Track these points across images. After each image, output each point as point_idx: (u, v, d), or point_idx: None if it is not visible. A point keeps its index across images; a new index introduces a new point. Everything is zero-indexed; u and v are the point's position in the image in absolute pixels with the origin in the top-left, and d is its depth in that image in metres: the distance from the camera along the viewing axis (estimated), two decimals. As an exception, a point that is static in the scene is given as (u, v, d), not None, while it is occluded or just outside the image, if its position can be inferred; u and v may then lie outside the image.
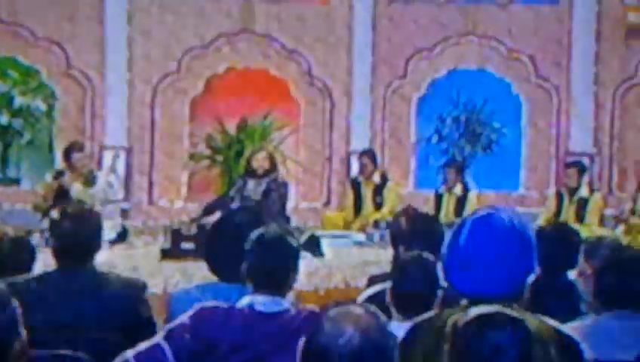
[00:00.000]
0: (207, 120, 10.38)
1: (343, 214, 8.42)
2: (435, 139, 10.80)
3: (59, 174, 7.56)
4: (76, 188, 7.35)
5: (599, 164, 9.85)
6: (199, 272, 5.46)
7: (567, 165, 7.91)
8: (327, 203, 10.15)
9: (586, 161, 9.81)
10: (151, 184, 10.38)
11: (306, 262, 5.85)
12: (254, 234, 2.52)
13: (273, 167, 7.56)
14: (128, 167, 10.20)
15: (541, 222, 7.70)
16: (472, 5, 10.09)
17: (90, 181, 7.48)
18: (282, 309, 2.40)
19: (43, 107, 10.74)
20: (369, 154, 8.60)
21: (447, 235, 2.09)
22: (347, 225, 8.02)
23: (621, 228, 7.24)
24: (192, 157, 10.46)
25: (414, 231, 3.50)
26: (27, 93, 10.89)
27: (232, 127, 10.23)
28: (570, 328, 2.61)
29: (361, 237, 7.37)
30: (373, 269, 5.81)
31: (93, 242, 2.85)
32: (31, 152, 11.01)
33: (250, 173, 7.49)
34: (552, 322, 2.04)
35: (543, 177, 10.10)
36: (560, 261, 3.51)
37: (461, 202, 8.04)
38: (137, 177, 10.32)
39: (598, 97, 9.93)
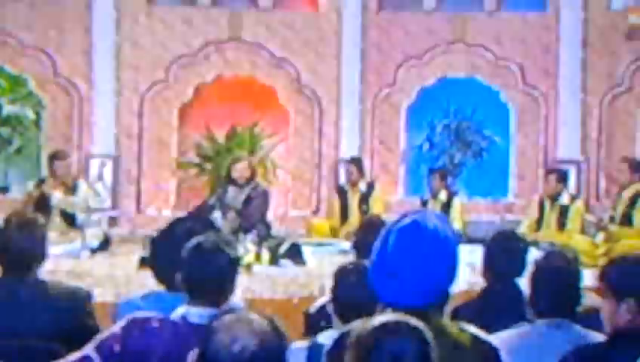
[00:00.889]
0: (195, 128, 10.37)
1: (330, 222, 8.40)
2: (425, 146, 10.82)
3: (41, 182, 7.55)
4: (57, 197, 7.34)
5: (587, 172, 9.84)
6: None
7: (547, 172, 7.90)
8: (317, 211, 10.13)
9: (573, 168, 9.83)
10: (139, 192, 10.36)
11: (283, 270, 5.87)
12: (190, 244, 2.47)
13: (253, 175, 7.55)
14: (116, 175, 10.18)
15: (523, 229, 7.70)
16: (460, 13, 10.09)
17: (72, 189, 7.46)
18: None
19: (31, 115, 10.74)
20: (355, 161, 8.59)
21: (376, 244, 2.05)
22: (334, 233, 7.99)
23: (601, 235, 7.23)
24: (180, 165, 10.44)
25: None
26: (16, 102, 10.89)
27: (221, 135, 10.21)
28: (505, 336, 2.60)
29: (347, 245, 7.34)
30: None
31: (35, 252, 2.81)
32: (19, 160, 11.00)
33: (231, 181, 7.48)
34: (473, 329, 2.02)
35: (532, 184, 10.08)
36: (507, 269, 3.49)
37: (446, 208, 8.02)
38: (125, 185, 10.30)
39: (585, 105, 9.92)
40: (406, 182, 10.37)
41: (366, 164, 10.06)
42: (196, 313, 2.33)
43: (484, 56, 10.08)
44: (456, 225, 7.97)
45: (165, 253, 2.85)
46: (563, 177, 7.70)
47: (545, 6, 10.03)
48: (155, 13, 10.20)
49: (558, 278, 2.73)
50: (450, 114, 10.73)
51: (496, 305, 3.16)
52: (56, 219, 7.45)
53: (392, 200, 9.82)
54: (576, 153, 9.97)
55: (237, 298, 2.71)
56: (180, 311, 2.36)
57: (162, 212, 10.25)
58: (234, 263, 2.49)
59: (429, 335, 1.67)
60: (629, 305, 2.12)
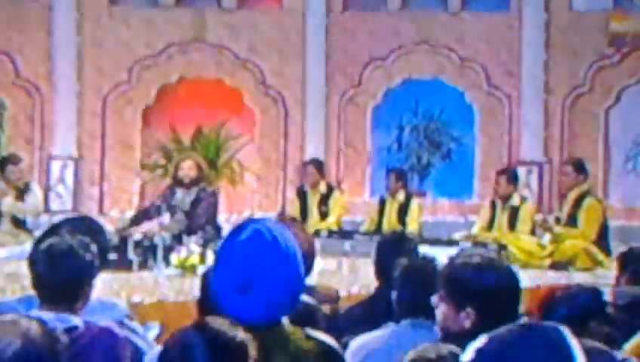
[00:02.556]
0: (160, 130, 10.29)
1: (290, 223, 8.35)
2: (394, 147, 10.83)
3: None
4: (7, 202, 7.26)
5: (549, 173, 9.88)
6: (117, 282, 5.40)
7: (498, 173, 7.95)
8: (282, 212, 10.07)
9: (535, 169, 9.89)
10: (102, 194, 10.26)
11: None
12: (42, 246, 2.38)
13: (201, 176, 7.46)
14: (77, 177, 10.08)
15: (476, 230, 7.74)
16: (424, 13, 10.09)
17: (23, 193, 7.39)
18: (69, 326, 2.23)
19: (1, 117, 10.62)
20: (314, 163, 8.58)
21: (218, 257, 2.02)
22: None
23: (547, 236, 7.27)
24: (144, 166, 10.35)
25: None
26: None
27: (186, 136, 10.14)
28: (369, 337, 2.61)
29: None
30: (313, 279, 5.76)
31: None
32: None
33: (179, 182, 7.39)
34: (318, 335, 2.02)
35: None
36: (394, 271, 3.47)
37: (403, 209, 8.03)
38: (87, 187, 10.20)
39: (548, 105, 9.97)
40: (372, 183, 10.35)
41: (332, 165, 10.07)
42: (47, 318, 2.20)
43: (448, 56, 10.09)
44: (413, 226, 7.98)
45: None
46: (514, 178, 7.75)
47: (508, 6, 10.07)
48: (117, 14, 10.11)
49: (421, 278, 2.72)
50: (418, 115, 10.75)
51: (387, 306, 3.13)
52: (6, 222, 7.37)
53: (359, 202, 9.81)
54: (539, 154, 10.02)
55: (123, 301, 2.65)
56: (32, 315, 2.17)
57: (126, 214, 10.15)
58: (86, 267, 2.37)
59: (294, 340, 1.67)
60: (469, 313, 2.08)
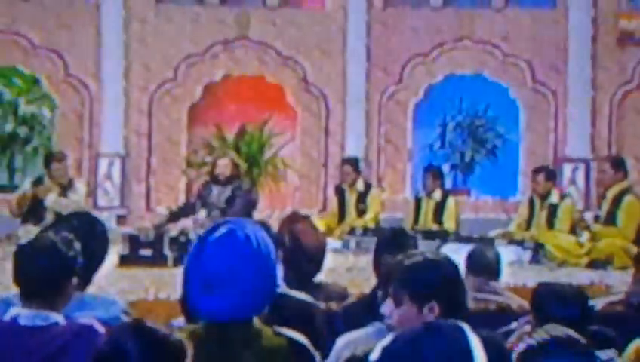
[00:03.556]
0: (205, 127, 10.42)
1: (327, 220, 8.40)
2: (437, 145, 10.78)
3: (38, 181, 7.65)
4: (50, 199, 7.44)
5: (597, 170, 9.70)
6: (149, 278, 5.47)
7: (535, 171, 7.83)
8: (323, 209, 10.11)
9: (582, 166, 9.72)
10: (148, 191, 10.42)
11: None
12: (22, 242, 2.42)
13: (237, 173, 7.54)
14: (124, 174, 10.26)
15: (512, 228, 7.64)
16: (467, 10, 10.01)
17: (67, 190, 7.56)
18: (49, 323, 2.24)
19: (49, 115, 10.87)
20: (351, 162, 8.58)
21: (190, 255, 2.01)
22: (330, 232, 7.98)
23: (586, 235, 7.14)
24: (190, 164, 10.48)
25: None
26: (33, 102, 11.03)
27: (230, 133, 10.26)
28: (355, 335, 2.60)
29: (338, 243, 7.34)
30: (334, 276, 5.81)
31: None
32: (37, 160, 11.12)
33: (215, 179, 7.48)
34: (288, 332, 2.03)
35: (542, 183, 9.96)
36: None
37: (440, 207, 7.98)
38: (135, 184, 10.37)
39: (595, 102, 9.78)
40: (414, 180, 10.31)
41: (372, 162, 10.07)
42: (27, 315, 2.24)
43: (492, 53, 9.99)
44: (450, 224, 7.92)
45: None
46: (552, 175, 7.63)
47: (554, 2, 9.91)
48: (163, 13, 10.26)
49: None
50: (462, 111, 10.68)
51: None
52: (50, 219, 7.55)
53: (399, 199, 9.78)
54: (586, 151, 9.84)
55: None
56: (12, 312, 2.28)
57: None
58: (68, 264, 2.34)
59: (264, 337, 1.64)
60: (433, 307, 2.12)
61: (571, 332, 2.02)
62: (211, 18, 10.24)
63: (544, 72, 9.97)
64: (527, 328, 2.76)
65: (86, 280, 2.67)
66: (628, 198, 7.03)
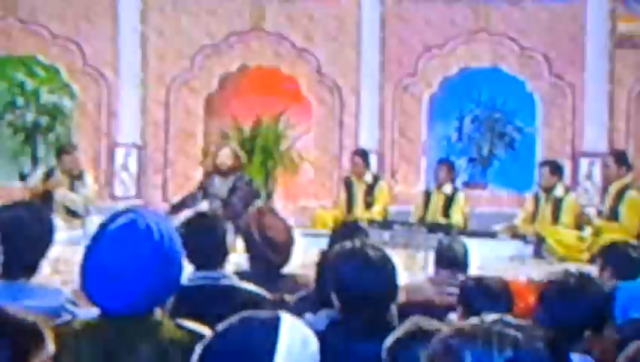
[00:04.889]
0: (221, 118, 10.46)
1: (335, 212, 8.39)
2: (454, 137, 10.70)
3: (50, 173, 7.75)
4: (60, 194, 7.53)
5: (602, 164, 9.55)
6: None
7: (541, 164, 7.74)
8: (338, 202, 10.10)
9: (599, 161, 9.57)
10: (165, 181, 10.49)
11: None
12: None
13: (239, 164, 7.55)
14: (141, 164, 10.34)
15: (518, 222, 7.56)
16: (483, 3, 9.90)
17: (77, 178, 7.65)
18: None
19: (70, 104, 10.99)
20: (360, 153, 8.55)
21: (89, 244, 2.00)
22: (337, 224, 7.97)
23: (588, 229, 7.04)
24: (206, 155, 10.52)
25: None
26: (54, 91, 11.16)
27: (246, 125, 10.29)
28: None
29: (343, 236, 7.30)
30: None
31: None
32: (59, 149, 11.25)
33: (218, 170, 7.50)
34: (189, 325, 2.01)
35: (558, 178, 9.85)
36: None
37: (449, 201, 7.92)
38: (151, 174, 10.45)
39: (613, 96, 9.63)
40: (428, 173, 10.24)
41: (386, 155, 10.02)
42: None
43: (508, 45, 9.88)
44: (457, 218, 7.86)
45: None
46: (557, 169, 7.53)
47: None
48: (180, 3, 10.31)
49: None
50: (480, 104, 10.59)
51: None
52: (61, 210, 7.65)
53: (414, 192, 9.72)
54: (604, 146, 9.69)
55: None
56: None
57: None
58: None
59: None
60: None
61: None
62: (227, 9, 10.26)
63: (561, 65, 9.83)
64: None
65: (30, 270, 2.69)
66: (630, 193, 6.92)
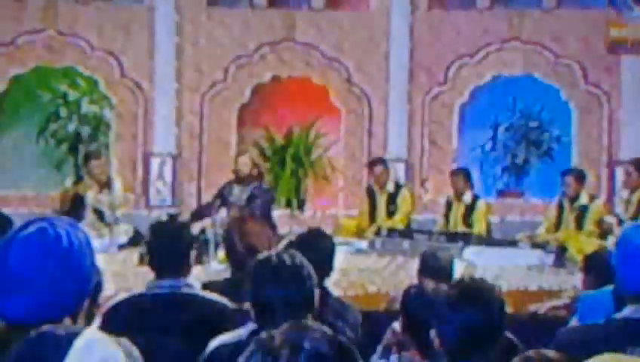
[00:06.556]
0: (254, 128, 10.56)
1: (358, 221, 8.39)
2: (488, 146, 10.61)
3: (79, 180, 7.91)
4: (90, 196, 7.67)
5: (624, 173, 9.33)
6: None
7: (564, 173, 7.61)
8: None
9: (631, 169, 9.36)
10: (199, 190, 10.63)
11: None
12: None
13: (258, 172, 7.60)
14: (175, 173, 10.49)
15: (541, 230, 7.44)
16: (515, 11, 9.80)
17: (106, 186, 7.78)
18: None
19: (110, 115, 11.22)
20: (380, 162, 8.54)
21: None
22: (361, 232, 7.98)
23: (612, 238, 6.88)
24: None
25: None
26: (95, 102, 11.41)
27: (279, 135, 10.37)
28: (226, 337, 2.56)
29: (364, 244, 7.33)
30: (353, 276, 5.82)
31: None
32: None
33: (238, 178, 7.56)
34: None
35: (594, 187, 9.65)
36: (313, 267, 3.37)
37: (469, 210, 7.84)
38: (186, 183, 10.59)
39: (649, 104, 9.42)
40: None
41: (415, 163, 9.97)
42: None
43: (541, 53, 9.75)
44: (479, 227, 7.78)
45: None
46: (581, 177, 7.40)
47: (605, 3, 9.59)
48: (214, 15, 10.45)
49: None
50: (515, 113, 10.47)
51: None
52: (90, 215, 7.79)
53: (443, 201, 9.65)
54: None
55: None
56: None
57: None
58: None
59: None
60: None
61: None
62: (259, 20, 10.37)
63: (597, 73, 9.66)
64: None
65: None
66: (652, 202, 6.75)
